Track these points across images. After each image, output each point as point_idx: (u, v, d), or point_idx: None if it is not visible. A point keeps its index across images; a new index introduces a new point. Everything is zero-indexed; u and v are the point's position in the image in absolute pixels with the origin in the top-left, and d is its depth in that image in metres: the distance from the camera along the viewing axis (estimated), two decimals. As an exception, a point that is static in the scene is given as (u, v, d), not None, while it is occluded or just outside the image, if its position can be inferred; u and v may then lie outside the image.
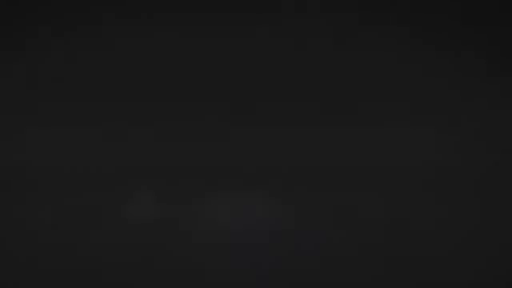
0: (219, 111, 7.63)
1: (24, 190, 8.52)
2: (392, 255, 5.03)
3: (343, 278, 4.37)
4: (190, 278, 4.34)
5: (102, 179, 8.70)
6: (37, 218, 6.73)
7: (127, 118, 8.17)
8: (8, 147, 8.75)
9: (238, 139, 8.20)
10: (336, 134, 8.55)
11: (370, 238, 5.45)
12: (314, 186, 8.54)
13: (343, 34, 7.69)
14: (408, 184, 8.80)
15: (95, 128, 8.62)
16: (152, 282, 4.27)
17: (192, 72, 7.75)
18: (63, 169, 9.07)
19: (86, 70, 7.71)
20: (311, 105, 8.20)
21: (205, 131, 8.15)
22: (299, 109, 8.20)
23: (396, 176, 8.35)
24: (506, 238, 5.51)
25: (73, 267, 4.66)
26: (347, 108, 8.16)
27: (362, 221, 6.44)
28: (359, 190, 8.52)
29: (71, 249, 5.14)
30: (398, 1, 7.24)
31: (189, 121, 8.11)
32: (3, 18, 7.27)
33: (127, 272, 4.48)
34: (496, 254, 5.03)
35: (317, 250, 4.95)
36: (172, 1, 7.40)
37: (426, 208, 7.35)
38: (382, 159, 8.71)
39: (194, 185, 8.80)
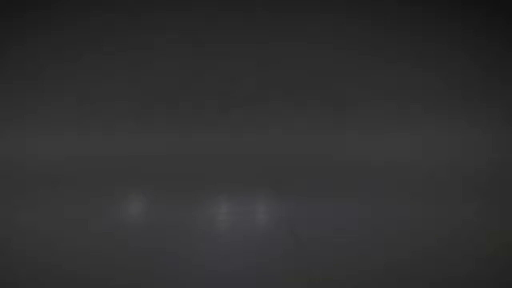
0: (219, 110, 7.63)
1: (24, 189, 8.50)
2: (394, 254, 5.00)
3: (350, 278, 4.34)
4: (189, 280, 4.31)
5: (101, 180, 8.69)
6: (35, 217, 6.71)
7: (127, 120, 8.14)
8: (8, 147, 8.72)
9: (238, 140, 8.15)
10: (340, 135, 8.51)
11: (372, 239, 5.45)
12: (315, 186, 8.49)
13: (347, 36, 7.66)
14: (412, 184, 8.75)
15: (94, 129, 8.61)
16: (151, 283, 4.25)
17: (192, 73, 7.72)
18: (62, 169, 9.05)
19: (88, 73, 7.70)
20: (313, 106, 8.16)
21: (205, 132, 8.10)
22: (300, 111, 8.17)
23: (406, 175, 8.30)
24: None
25: (73, 267, 4.64)
26: (352, 109, 8.12)
27: (363, 221, 6.42)
28: (361, 191, 8.49)
29: (70, 248, 5.14)
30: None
31: (190, 121, 8.07)
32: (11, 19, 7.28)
33: (127, 273, 4.45)
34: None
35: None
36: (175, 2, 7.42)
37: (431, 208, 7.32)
38: (385, 160, 8.65)
39: (194, 186, 8.79)
